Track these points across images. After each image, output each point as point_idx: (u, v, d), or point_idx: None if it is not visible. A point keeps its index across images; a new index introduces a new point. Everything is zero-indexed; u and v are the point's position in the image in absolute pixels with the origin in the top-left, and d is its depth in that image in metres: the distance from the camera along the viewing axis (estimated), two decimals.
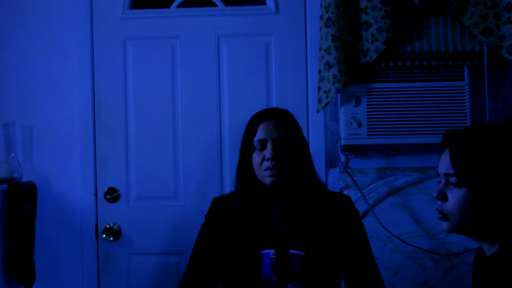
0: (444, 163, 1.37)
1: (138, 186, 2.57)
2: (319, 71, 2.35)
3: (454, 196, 1.35)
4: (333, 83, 2.29)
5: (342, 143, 2.39)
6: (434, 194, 1.39)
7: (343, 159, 2.48)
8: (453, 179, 1.35)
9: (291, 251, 1.72)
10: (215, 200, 1.95)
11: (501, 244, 1.32)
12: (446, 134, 1.39)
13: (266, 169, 1.78)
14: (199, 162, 2.55)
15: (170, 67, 2.57)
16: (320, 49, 2.34)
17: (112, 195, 2.57)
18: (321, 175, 2.46)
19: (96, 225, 2.58)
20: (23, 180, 2.50)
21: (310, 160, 1.88)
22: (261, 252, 1.74)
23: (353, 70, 2.33)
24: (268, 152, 1.78)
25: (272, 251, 1.73)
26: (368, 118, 2.36)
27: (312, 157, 1.89)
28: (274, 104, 2.52)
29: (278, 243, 1.76)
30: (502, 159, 1.29)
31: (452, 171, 1.34)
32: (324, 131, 2.50)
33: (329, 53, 2.30)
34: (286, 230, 1.80)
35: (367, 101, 2.36)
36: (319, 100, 2.35)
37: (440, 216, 1.39)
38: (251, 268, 1.75)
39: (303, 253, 1.72)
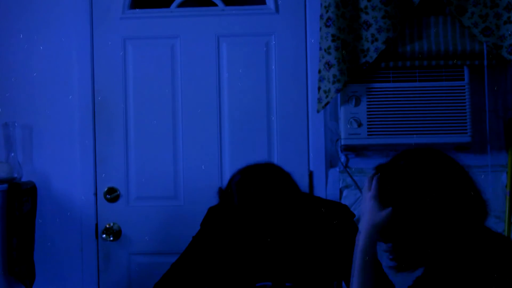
0: None
1: (138, 186, 2.57)
2: (319, 71, 2.35)
3: None
4: (333, 83, 2.29)
5: (342, 143, 2.39)
6: None
7: (343, 159, 2.48)
8: None
9: (287, 284, 1.70)
10: (211, 211, 1.90)
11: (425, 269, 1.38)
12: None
13: None
14: (199, 162, 2.55)
15: (170, 67, 2.57)
16: (320, 49, 2.34)
17: (112, 195, 2.57)
18: (321, 175, 2.47)
19: (96, 225, 2.58)
20: (23, 180, 2.49)
21: (299, 191, 1.79)
22: (257, 285, 1.71)
23: (353, 70, 2.33)
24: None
25: (268, 284, 1.70)
26: (368, 118, 2.36)
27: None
28: (274, 104, 2.52)
29: (274, 275, 1.72)
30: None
31: None
32: (324, 131, 2.50)
33: (329, 53, 2.29)
34: (282, 262, 1.77)
35: (367, 101, 2.36)
36: (319, 100, 2.35)
37: None
38: None
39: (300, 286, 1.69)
